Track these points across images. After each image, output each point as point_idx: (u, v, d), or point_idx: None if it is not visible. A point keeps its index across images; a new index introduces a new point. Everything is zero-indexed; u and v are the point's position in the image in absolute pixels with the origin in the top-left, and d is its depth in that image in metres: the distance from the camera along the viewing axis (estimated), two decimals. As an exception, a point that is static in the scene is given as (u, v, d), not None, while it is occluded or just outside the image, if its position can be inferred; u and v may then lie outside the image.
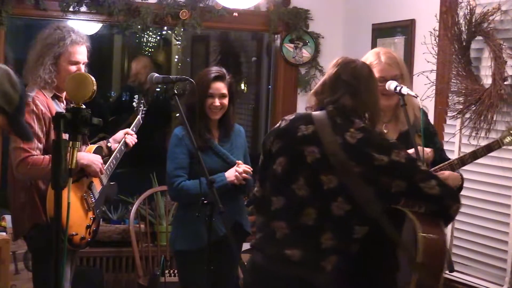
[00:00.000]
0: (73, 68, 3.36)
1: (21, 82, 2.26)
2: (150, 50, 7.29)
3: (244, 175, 3.59)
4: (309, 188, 2.52)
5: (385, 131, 3.24)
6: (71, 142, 2.11)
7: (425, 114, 3.31)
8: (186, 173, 3.59)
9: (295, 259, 2.48)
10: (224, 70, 3.72)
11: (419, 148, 2.94)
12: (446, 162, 3.15)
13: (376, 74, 3.14)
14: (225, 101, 3.65)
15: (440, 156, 3.26)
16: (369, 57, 3.24)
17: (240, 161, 3.63)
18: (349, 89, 2.60)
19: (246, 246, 3.85)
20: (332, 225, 2.51)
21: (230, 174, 3.59)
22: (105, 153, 3.61)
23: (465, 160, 3.12)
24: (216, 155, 3.64)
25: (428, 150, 3.08)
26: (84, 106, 2.16)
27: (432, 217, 2.53)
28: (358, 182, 2.49)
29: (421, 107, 3.00)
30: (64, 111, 3.17)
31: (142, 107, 4.04)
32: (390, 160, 2.49)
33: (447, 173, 3.09)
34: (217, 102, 3.62)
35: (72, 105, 2.20)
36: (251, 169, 3.63)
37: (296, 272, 2.48)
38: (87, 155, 3.39)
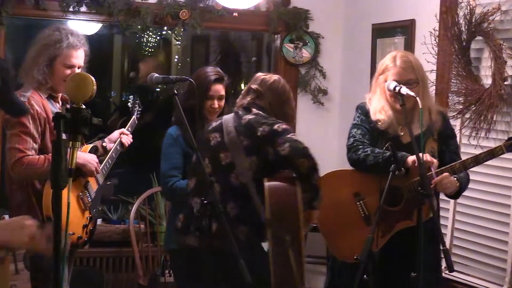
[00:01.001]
0: (67, 71, 3.36)
1: (4, 60, 2.24)
2: (150, 50, 7.29)
3: None
4: (212, 166, 3.04)
5: (401, 133, 3.26)
6: (71, 142, 2.11)
7: (444, 117, 3.34)
8: (180, 173, 3.60)
9: (213, 231, 2.87)
10: (221, 71, 3.74)
11: (421, 153, 2.97)
12: (447, 166, 3.16)
13: (391, 77, 3.18)
14: (223, 102, 3.68)
15: (450, 159, 3.26)
16: (386, 60, 3.30)
17: None
18: (255, 93, 3.15)
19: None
20: (232, 195, 2.97)
21: None
22: (100, 153, 3.61)
23: (467, 164, 3.16)
24: None
25: (435, 161, 3.12)
26: (84, 106, 2.15)
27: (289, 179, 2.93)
28: (241, 154, 2.97)
29: (420, 106, 3.00)
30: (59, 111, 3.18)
31: (137, 108, 4.04)
32: (270, 130, 2.96)
33: (445, 175, 3.10)
34: (216, 104, 3.64)
35: (71, 105, 2.20)
36: None
37: (215, 243, 2.82)
38: (82, 155, 3.39)
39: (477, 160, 3.14)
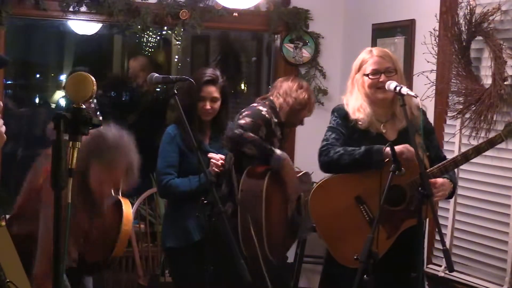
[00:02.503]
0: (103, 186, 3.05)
1: None
2: (150, 50, 7.29)
3: (221, 161, 3.59)
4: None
5: (383, 131, 3.24)
6: (71, 142, 2.11)
7: (423, 113, 3.32)
8: (176, 171, 3.61)
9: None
10: (217, 73, 3.71)
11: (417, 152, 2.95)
12: (450, 159, 3.15)
13: (370, 67, 3.18)
14: (217, 104, 3.66)
15: (436, 154, 3.26)
16: (361, 56, 3.29)
17: (210, 154, 3.64)
18: (273, 90, 3.79)
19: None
20: (226, 176, 3.50)
21: (210, 167, 3.60)
22: None
23: (468, 155, 3.12)
24: (205, 154, 3.66)
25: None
26: (84, 106, 2.15)
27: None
28: (227, 144, 3.53)
29: (420, 106, 2.99)
30: None
31: (95, 106, 3.62)
32: (237, 117, 3.50)
33: (440, 180, 3.09)
34: (207, 105, 3.63)
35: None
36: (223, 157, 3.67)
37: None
38: None
39: (478, 150, 3.11)
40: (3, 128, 2.10)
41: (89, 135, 2.75)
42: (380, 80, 3.17)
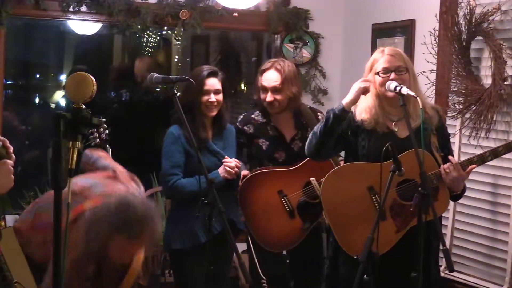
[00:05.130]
0: None
1: None
2: (150, 50, 7.29)
3: (236, 169, 3.62)
4: None
5: (395, 129, 3.25)
6: (71, 142, 2.11)
7: (438, 113, 3.33)
8: (181, 171, 3.60)
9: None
10: (215, 67, 3.76)
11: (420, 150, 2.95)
12: (466, 159, 3.17)
13: (381, 65, 3.19)
14: (220, 97, 3.67)
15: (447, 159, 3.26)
16: (373, 56, 3.29)
17: (227, 156, 3.66)
18: None
19: (242, 246, 3.85)
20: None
21: (222, 170, 3.62)
22: None
23: (485, 157, 3.17)
24: (211, 153, 3.66)
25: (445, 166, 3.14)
26: (84, 106, 2.15)
27: None
28: None
29: (421, 106, 2.99)
30: None
31: (105, 136, 3.66)
32: None
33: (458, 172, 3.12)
34: (212, 98, 3.63)
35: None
36: (240, 163, 3.70)
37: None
38: None
39: (495, 153, 3.17)
40: (12, 170, 2.05)
41: (113, 203, 2.58)
42: (390, 78, 3.17)
